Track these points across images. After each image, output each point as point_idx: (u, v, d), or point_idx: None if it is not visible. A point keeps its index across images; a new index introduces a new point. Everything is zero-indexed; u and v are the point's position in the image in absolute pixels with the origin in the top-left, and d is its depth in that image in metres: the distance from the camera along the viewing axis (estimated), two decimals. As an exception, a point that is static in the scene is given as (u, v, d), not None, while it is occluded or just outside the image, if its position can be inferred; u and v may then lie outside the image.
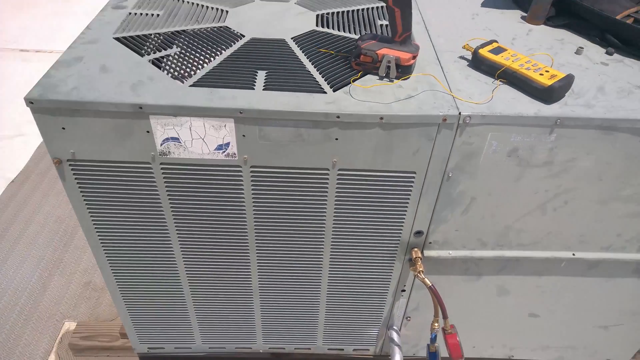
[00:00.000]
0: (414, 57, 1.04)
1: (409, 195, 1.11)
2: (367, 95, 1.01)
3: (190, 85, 1.00)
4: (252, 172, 1.06)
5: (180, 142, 1.01)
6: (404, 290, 1.34)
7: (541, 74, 1.00)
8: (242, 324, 1.42)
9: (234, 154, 1.03)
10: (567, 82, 1.00)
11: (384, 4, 1.36)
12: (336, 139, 1.01)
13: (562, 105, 1.00)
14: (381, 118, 0.98)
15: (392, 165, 1.06)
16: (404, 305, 1.38)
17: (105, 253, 1.21)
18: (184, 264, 1.25)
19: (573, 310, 1.42)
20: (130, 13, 1.23)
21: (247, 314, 1.39)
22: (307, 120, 0.98)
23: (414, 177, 1.08)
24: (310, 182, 1.09)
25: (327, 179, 1.08)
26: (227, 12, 1.26)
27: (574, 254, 1.25)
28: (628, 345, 1.56)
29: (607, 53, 1.16)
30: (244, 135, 1.00)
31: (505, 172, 1.07)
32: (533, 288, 1.35)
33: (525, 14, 1.29)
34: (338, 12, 1.29)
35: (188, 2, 1.29)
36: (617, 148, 1.03)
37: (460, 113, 0.98)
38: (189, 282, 1.29)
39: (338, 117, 0.98)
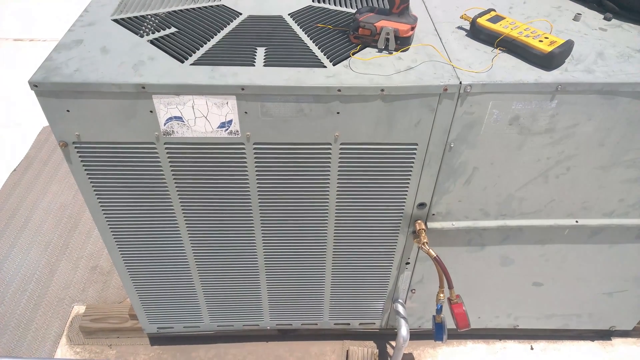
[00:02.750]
0: (413, 29, 1.04)
1: (412, 167, 1.12)
2: (367, 68, 1.01)
3: (191, 64, 1.00)
4: (255, 149, 1.07)
5: (183, 121, 1.02)
6: (408, 263, 1.36)
7: (540, 41, 1.00)
8: (249, 301, 1.45)
9: (237, 131, 1.04)
10: (567, 47, 1.00)
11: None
12: (338, 113, 1.02)
13: (563, 71, 1.01)
14: (382, 90, 0.98)
15: (393, 137, 1.06)
16: (408, 278, 1.40)
17: (113, 234, 1.22)
18: (191, 243, 1.26)
19: (577, 278, 1.43)
20: (126, -6, 1.23)
21: (253, 291, 1.41)
22: (309, 95, 0.99)
23: (415, 149, 1.09)
24: (312, 157, 1.09)
25: (330, 153, 1.09)
26: (223, -10, 1.26)
27: (577, 221, 1.26)
28: (632, 312, 1.58)
29: (605, 19, 1.16)
30: (246, 112, 1.01)
31: (507, 141, 1.08)
32: (536, 257, 1.36)
33: (523, -17, 1.29)
34: (335, -13, 1.29)
35: (184, -19, 1.28)
36: (618, 113, 1.04)
37: (460, 82, 0.98)
38: (196, 261, 1.31)
39: (339, 90, 0.98)
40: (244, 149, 1.07)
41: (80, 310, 1.65)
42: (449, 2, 1.24)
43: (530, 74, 1.00)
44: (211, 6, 1.19)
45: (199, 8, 1.18)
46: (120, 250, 1.26)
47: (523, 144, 1.09)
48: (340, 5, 1.22)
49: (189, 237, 1.24)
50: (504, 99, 1.01)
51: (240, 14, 1.16)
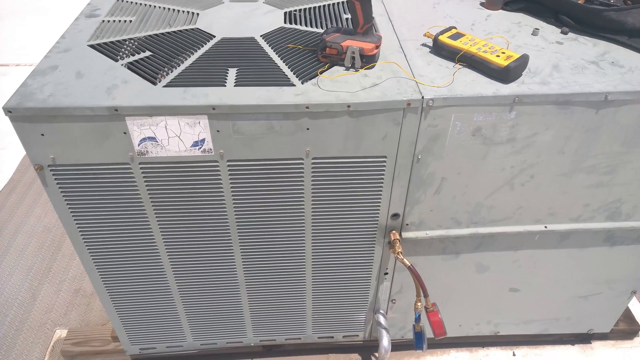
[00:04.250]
0: (377, 47, 1.09)
1: (382, 179, 1.16)
2: (334, 86, 1.05)
3: (164, 86, 1.04)
4: (229, 166, 1.10)
5: (157, 141, 1.05)
6: (386, 274, 1.38)
7: (497, 56, 1.06)
8: (231, 318, 1.46)
9: (210, 149, 1.07)
10: (522, 61, 1.05)
11: (349, -1, 1.41)
12: (307, 129, 1.06)
13: (520, 84, 1.06)
14: (348, 106, 1.02)
15: (363, 151, 1.10)
16: (388, 289, 1.43)
17: (92, 256, 1.24)
18: (170, 262, 1.28)
19: (551, 282, 1.47)
20: (103, 21, 1.26)
21: (235, 308, 1.43)
22: (278, 113, 1.03)
23: (385, 161, 1.13)
24: (286, 173, 1.13)
25: (302, 168, 1.12)
26: (197, 14, 1.30)
27: (545, 227, 1.30)
28: (609, 314, 1.62)
29: (562, 33, 1.22)
30: (218, 131, 1.04)
31: (472, 152, 1.12)
32: (510, 263, 1.40)
33: (484, 1, 1.35)
34: (305, 9, 1.34)
35: (159, 7, 1.33)
36: (574, 121, 1.09)
37: (423, 97, 1.02)
38: (176, 280, 1.33)
39: (307, 107, 1.02)
40: (218, 166, 1.10)
41: (62, 334, 1.65)
42: (414, 20, 1.30)
43: (488, 87, 1.05)
44: (186, 30, 1.23)
45: (174, 32, 1.22)
46: (99, 272, 1.28)
47: (487, 154, 1.13)
48: (311, 26, 1.26)
49: (168, 256, 1.26)
50: (465, 112, 1.05)
51: (214, 36, 1.21)
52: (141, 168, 1.08)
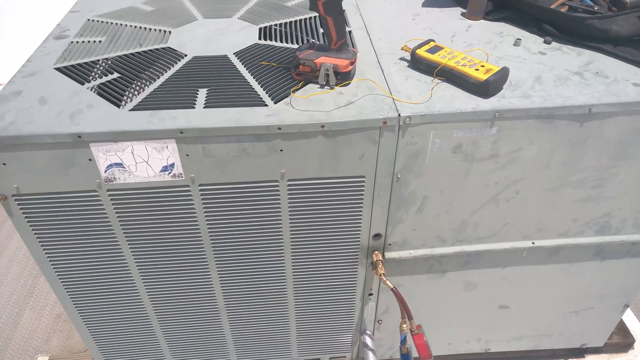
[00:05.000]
0: (352, 63, 1.05)
1: (362, 199, 1.12)
2: (308, 105, 1.02)
3: (130, 110, 1.00)
4: (201, 190, 1.06)
5: (124, 167, 1.00)
6: (371, 294, 1.34)
7: (477, 69, 1.02)
8: (213, 343, 1.41)
9: (180, 174, 1.03)
10: (502, 75, 1.01)
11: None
12: (281, 150, 1.02)
13: (500, 98, 1.02)
14: (322, 126, 0.98)
15: (340, 171, 1.06)
16: (373, 309, 1.38)
17: (64, 285, 1.19)
18: (146, 290, 1.23)
19: (542, 298, 1.43)
20: (72, 42, 1.22)
21: (217, 333, 1.38)
22: (250, 135, 0.99)
23: (363, 181, 1.09)
24: (261, 196, 1.09)
25: (278, 190, 1.08)
26: (169, 32, 1.26)
27: (533, 243, 1.26)
28: (602, 328, 1.58)
29: (545, 42, 1.18)
30: (187, 155, 1.00)
31: (453, 169, 1.08)
32: (499, 280, 1.36)
33: (465, 11, 1.31)
34: (280, 24, 1.30)
35: (131, 25, 1.29)
36: (559, 135, 1.05)
37: (399, 114, 0.98)
38: (154, 307, 1.28)
39: (279, 128, 0.98)
40: (189, 191, 1.06)
41: (43, 361, 1.61)
42: (393, 33, 1.26)
43: (468, 102, 1.01)
44: (157, 49, 1.19)
45: (144, 52, 1.18)
46: (73, 301, 1.23)
47: (469, 171, 1.09)
48: (287, 42, 1.23)
49: (144, 283, 1.22)
50: (444, 128, 1.01)
51: (185, 55, 1.17)
52: (109, 195, 1.04)
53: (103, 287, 1.21)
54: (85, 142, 0.96)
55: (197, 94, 1.04)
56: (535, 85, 1.05)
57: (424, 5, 1.38)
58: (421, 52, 1.08)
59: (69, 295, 1.22)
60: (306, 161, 1.04)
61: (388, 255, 1.23)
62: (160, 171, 1.02)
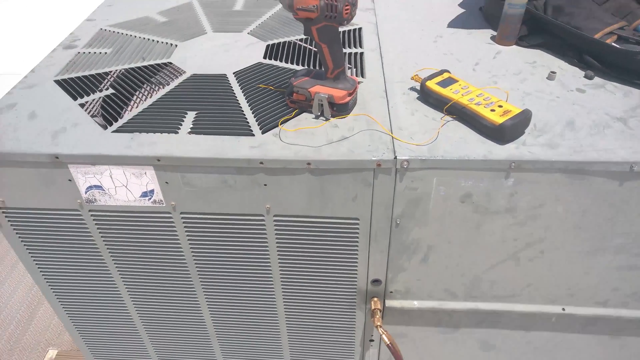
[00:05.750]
0: (350, 94, 0.94)
1: (356, 242, 1.00)
2: (297, 138, 0.92)
3: (113, 131, 0.95)
4: (183, 218, 1.00)
5: (104, 190, 0.97)
6: (372, 340, 1.22)
7: (492, 110, 0.87)
8: (209, 367, 1.36)
9: (161, 200, 0.97)
10: (522, 119, 0.85)
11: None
12: (265, 185, 0.93)
13: (519, 145, 0.86)
14: (309, 163, 0.88)
15: (330, 211, 0.96)
16: (375, 356, 1.26)
17: (56, 296, 1.19)
18: (135, 308, 1.20)
19: (576, 367, 1.23)
20: (78, 52, 1.21)
21: (209, 357, 1.32)
22: (230, 167, 0.91)
23: (357, 224, 0.97)
24: (246, 229, 1.01)
25: (264, 225, 0.99)
26: (175, 46, 1.21)
27: (563, 309, 1.08)
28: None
29: (585, 77, 0.99)
30: (167, 182, 0.94)
31: (462, 219, 0.94)
32: (523, 344, 1.18)
33: (495, 34, 1.14)
34: (289, 42, 1.21)
35: (139, 37, 1.25)
36: (593, 193, 0.87)
37: (396, 157, 0.86)
38: (144, 325, 1.25)
39: (261, 163, 0.89)
40: (171, 218, 1.00)
41: (53, 354, 1.64)
42: (408, 57, 1.12)
43: (479, 148, 0.86)
44: (158, 64, 1.15)
45: (145, 67, 1.14)
46: (64, 308, 1.22)
47: (482, 223, 0.94)
48: (292, 63, 1.13)
49: (132, 301, 1.19)
50: (449, 176, 0.87)
51: (184, 72, 1.11)
52: (92, 215, 1.01)
53: (93, 301, 1.20)
54: (63, 163, 0.93)
55: (185, 117, 0.98)
56: (565, 131, 0.88)
57: (450, 25, 1.22)
58: (431, 84, 0.94)
59: (60, 303, 1.21)
60: (292, 198, 0.94)
61: (389, 303, 1.11)
62: (140, 196, 0.97)
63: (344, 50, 1.17)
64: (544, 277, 1.03)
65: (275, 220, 0.98)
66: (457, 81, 0.93)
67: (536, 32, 1.09)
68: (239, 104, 1.01)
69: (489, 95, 0.90)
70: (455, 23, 1.22)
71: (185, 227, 1.01)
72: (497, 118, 0.85)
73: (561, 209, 0.90)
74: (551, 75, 0.99)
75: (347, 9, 0.83)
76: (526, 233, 0.95)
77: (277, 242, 1.02)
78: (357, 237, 0.99)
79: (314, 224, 0.98)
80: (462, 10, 1.28)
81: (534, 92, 0.97)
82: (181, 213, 0.99)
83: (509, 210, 0.91)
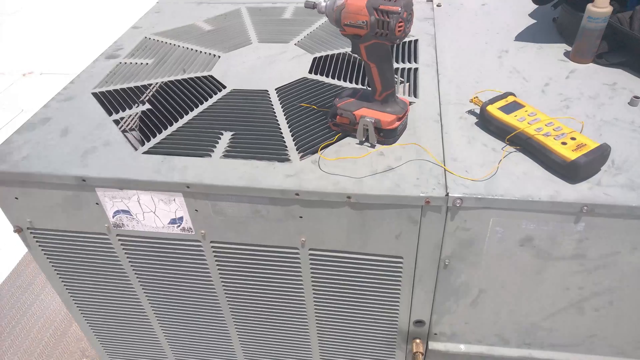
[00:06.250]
0: (399, 119, 0.85)
1: (399, 281, 0.91)
2: (337, 166, 0.84)
3: (144, 152, 0.90)
4: (212, 247, 0.94)
5: (131, 215, 0.91)
6: (412, 381, 1.13)
7: (564, 143, 0.76)
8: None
9: (190, 228, 0.91)
10: (598, 155, 0.74)
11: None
12: (300, 217, 0.85)
13: (593, 185, 0.75)
14: (349, 197, 0.80)
15: (371, 247, 0.87)
16: (414, 397, 1.17)
17: (83, 315, 1.15)
18: (163, 333, 1.15)
19: None
20: (120, 62, 1.17)
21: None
22: (263, 197, 0.84)
23: (401, 263, 0.88)
24: (280, 262, 0.93)
25: (299, 258, 0.92)
26: (219, 57, 1.15)
27: (630, 363, 0.95)
28: None
29: (675, 106, 0.87)
30: (196, 210, 0.88)
31: (520, 264, 0.83)
32: (582, 395, 1.06)
33: (570, 50, 1.02)
34: (338, 55, 1.13)
35: (183, 47, 1.20)
36: (679, 244, 0.75)
37: (447, 194, 0.76)
38: (172, 351, 1.20)
39: (297, 194, 0.81)
40: (201, 246, 0.94)
41: (86, 366, 1.63)
42: (468, 76, 1.02)
43: (545, 187, 0.75)
44: (198, 77, 1.09)
45: (185, 80, 1.09)
46: (94, 333, 1.19)
47: (543, 269, 0.83)
48: (339, 79, 1.05)
49: (160, 326, 1.14)
50: (509, 217, 0.77)
51: (225, 87, 1.05)
52: (119, 240, 0.96)
53: (120, 323, 1.16)
54: (90, 186, 0.88)
55: (220, 138, 0.92)
56: (651, 170, 0.76)
57: (518, 38, 1.10)
58: (493, 109, 0.84)
59: (87, 323, 1.18)
60: (330, 231, 0.86)
61: (433, 345, 1.01)
62: (168, 223, 0.91)
63: (396, 65, 1.08)
64: (609, 328, 0.91)
65: (310, 254, 0.91)
66: (523, 106, 0.83)
67: (618, 49, 0.96)
68: (278, 124, 0.93)
69: (561, 125, 0.78)
70: (524, 36, 1.10)
71: (215, 256, 0.95)
72: (569, 153, 0.74)
73: (638, 258, 0.78)
74: (634, 101, 0.86)
75: (400, 27, 0.74)
76: (594, 282, 0.83)
77: (312, 277, 0.94)
78: (400, 277, 0.90)
79: (352, 260, 0.90)
80: (532, 21, 1.16)
81: (612, 120, 0.85)
82: (211, 242, 0.93)
83: (576, 257, 0.80)
